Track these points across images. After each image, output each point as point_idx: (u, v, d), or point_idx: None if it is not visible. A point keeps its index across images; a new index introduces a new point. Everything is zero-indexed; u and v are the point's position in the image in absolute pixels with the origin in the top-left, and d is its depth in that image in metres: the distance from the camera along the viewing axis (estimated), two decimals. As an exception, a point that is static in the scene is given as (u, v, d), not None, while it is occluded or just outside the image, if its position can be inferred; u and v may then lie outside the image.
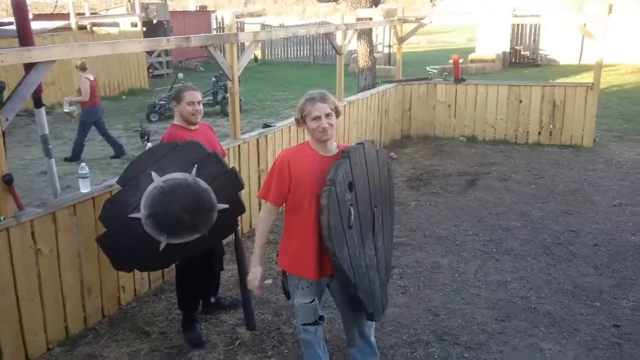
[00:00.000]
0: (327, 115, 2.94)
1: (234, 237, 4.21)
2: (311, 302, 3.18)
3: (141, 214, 3.61)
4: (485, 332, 4.10)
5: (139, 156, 3.86)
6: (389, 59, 21.01)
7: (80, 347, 3.98)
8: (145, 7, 18.53)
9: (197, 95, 3.95)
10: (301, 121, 3.03)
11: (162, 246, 3.69)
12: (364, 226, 3.11)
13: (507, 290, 4.67)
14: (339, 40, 8.10)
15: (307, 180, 2.97)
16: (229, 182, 3.84)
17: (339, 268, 2.95)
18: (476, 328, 4.15)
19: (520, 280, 4.83)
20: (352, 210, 2.97)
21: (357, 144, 3.12)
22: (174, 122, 3.99)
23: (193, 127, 3.97)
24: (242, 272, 4.01)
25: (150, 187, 3.60)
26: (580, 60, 19.81)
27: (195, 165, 3.69)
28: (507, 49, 20.93)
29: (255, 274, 3.15)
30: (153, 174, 3.60)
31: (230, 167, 3.97)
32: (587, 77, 11.20)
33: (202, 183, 3.70)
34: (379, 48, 21.17)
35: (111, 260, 3.81)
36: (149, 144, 4.22)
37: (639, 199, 6.67)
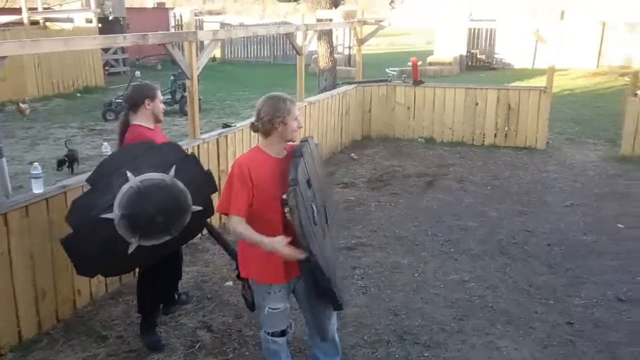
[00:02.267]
0: (298, 118, 3.09)
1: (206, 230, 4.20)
2: (283, 307, 3.17)
3: (114, 214, 3.48)
4: (444, 331, 4.17)
5: (111, 155, 3.75)
6: (349, 60, 21.12)
7: (34, 352, 3.86)
8: (100, 3, 18.07)
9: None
10: (276, 123, 2.98)
11: (131, 249, 3.58)
12: (321, 221, 3.17)
13: (465, 290, 4.77)
14: (299, 40, 8.10)
15: (268, 185, 2.98)
16: (206, 185, 3.85)
17: (315, 265, 2.92)
18: (435, 327, 4.21)
19: (478, 280, 4.93)
20: (313, 206, 3.03)
21: (301, 140, 3.20)
22: (136, 122, 3.82)
23: (152, 126, 3.89)
24: (231, 252, 3.88)
25: (126, 187, 3.48)
26: (533, 65, 20.38)
27: (174, 166, 3.64)
28: (464, 53, 21.36)
29: (275, 239, 2.90)
30: (129, 173, 3.49)
31: (206, 169, 4.00)
32: (541, 81, 11.53)
33: (180, 184, 3.65)
34: (339, 49, 21.27)
35: (76, 265, 3.65)
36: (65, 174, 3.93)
37: (590, 199, 6.91)
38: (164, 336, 4.04)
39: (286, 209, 2.85)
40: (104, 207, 3.48)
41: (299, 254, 2.85)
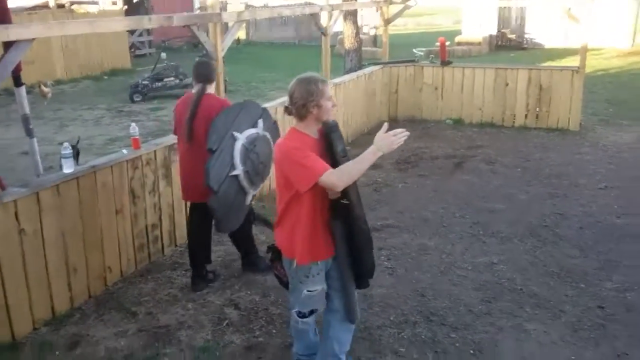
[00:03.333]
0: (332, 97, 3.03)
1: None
2: (321, 289, 3.13)
3: (239, 170, 3.99)
4: (471, 312, 4.12)
5: (214, 121, 4.00)
6: (375, 40, 20.91)
7: (67, 326, 3.94)
8: (127, -15, 18.17)
9: None
10: (312, 104, 2.88)
11: (249, 199, 4.23)
12: None
13: (494, 272, 4.71)
14: (324, 21, 8.01)
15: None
16: (275, 132, 4.38)
17: (367, 235, 3.05)
18: (463, 309, 4.17)
19: (507, 262, 4.86)
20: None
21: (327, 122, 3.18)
22: (210, 92, 4.28)
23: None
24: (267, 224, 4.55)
25: (238, 145, 3.98)
26: (565, 44, 19.89)
27: (261, 119, 4.21)
28: (494, 32, 20.93)
29: (380, 138, 2.80)
30: (235, 133, 3.98)
31: (273, 120, 4.50)
32: (573, 61, 11.25)
33: (267, 134, 4.24)
34: (365, 29, 21.05)
35: (218, 222, 4.11)
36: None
37: (624, 182, 6.74)
38: (192, 313, 4.09)
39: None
40: (229, 166, 3.96)
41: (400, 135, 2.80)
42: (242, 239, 4.67)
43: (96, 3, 17.53)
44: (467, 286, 4.49)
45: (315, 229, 2.99)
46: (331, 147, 2.94)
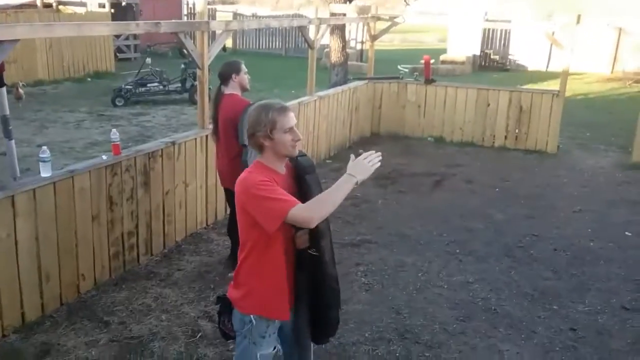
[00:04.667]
0: (296, 126, 2.58)
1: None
2: (276, 348, 2.77)
3: None
4: (446, 331, 4.15)
5: (242, 119, 4.13)
6: (361, 55, 21.05)
7: (37, 334, 3.87)
8: (114, -12, 18.06)
9: None
10: (267, 136, 2.50)
11: None
12: None
13: (469, 291, 4.74)
14: (312, 34, 8.06)
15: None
16: None
17: (337, 295, 2.69)
18: (437, 327, 4.19)
19: (482, 282, 4.91)
20: (329, 227, 2.70)
21: (301, 154, 2.72)
22: (231, 92, 4.53)
23: (241, 94, 4.60)
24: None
25: None
26: (547, 67, 20.23)
27: None
28: (478, 52, 21.22)
29: (354, 164, 2.48)
30: None
31: None
32: (554, 84, 11.44)
33: None
34: (352, 44, 21.20)
35: None
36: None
37: (599, 206, 6.86)
38: (165, 324, 4.05)
39: (297, 233, 2.59)
40: None
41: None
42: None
43: (84, 4, 17.39)
44: (443, 304, 4.52)
45: (280, 282, 2.60)
46: (304, 193, 2.56)
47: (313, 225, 2.41)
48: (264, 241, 2.52)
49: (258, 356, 2.67)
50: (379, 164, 2.48)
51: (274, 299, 2.62)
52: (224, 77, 4.58)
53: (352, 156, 2.52)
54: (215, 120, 4.67)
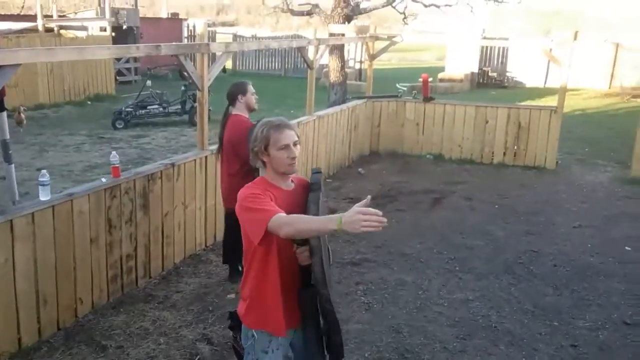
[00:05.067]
0: (295, 144, 2.57)
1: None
2: None
3: None
4: (446, 350, 4.12)
5: (247, 139, 4.34)
6: (359, 74, 21.20)
7: (33, 360, 3.85)
8: (115, 12, 18.29)
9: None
10: (262, 152, 2.56)
11: None
12: (329, 263, 2.78)
13: (469, 309, 4.72)
14: (311, 54, 8.13)
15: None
16: None
17: (332, 315, 2.54)
18: (438, 346, 4.17)
19: (482, 299, 4.88)
20: (329, 248, 2.69)
21: (314, 171, 2.76)
22: (235, 112, 4.65)
23: (247, 115, 4.69)
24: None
25: None
26: (545, 84, 20.35)
27: None
28: (476, 70, 21.37)
29: (350, 212, 2.24)
30: None
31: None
32: (552, 101, 11.49)
33: None
34: (351, 63, 21.35)
35: None
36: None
37: (598, 221, 6.85)
38: (164, 347, 4.03)
39: (298, 249, 2.52)
40: None
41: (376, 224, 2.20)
42: (228, 247, 4.98)
43: (85, 28, 17.60)
44: (443, 323, 4.49)
45: (274, 297, 2.57)
46: (305, 210, 2.53)
47: (281, 234, 2.35)
48: (261, 255, 2.53)
49: None
50: (375, 229, 2.21)
51: (270, 313, 2.60)
52: (231, 98, 4.69)
53: (368, 198, 2.32)
54: (220, 140, 4.77)
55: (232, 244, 4.81)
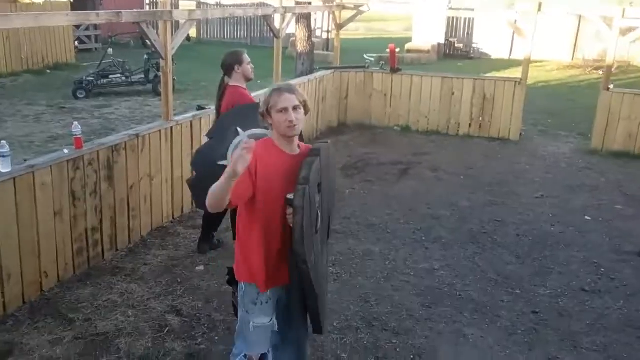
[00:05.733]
0: (295, 108, 2.64)
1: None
2: (269, 322, 2.82)
3: (227, 161, 3.91)
4: (412, 318, 4.22)
5: (227, 114, 4.36)
6: (327, 44, 21.00)
7: (-1, 334, 3.79)
8: (74, -23, 17.57)
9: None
10: (266, 114, 2.70)
11: None
12: (322, 232, 2.84)
13: (435, 278, 4.83)
14: (277, 23, 8.01)
15: (276, 181, 2.62)
16: None
17: (306, 277, 2.59)
18: (404, 314, 4.26)
19: (447, 268, 5.00)
20: (319, 213, 2.71)
21: (321, 142, 2.86)
22: (232, 84, 4.58)
23: (244, 85, 4.64)
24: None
25: (236, 140, 4.07)
26: (510, 55, 20.56)
27: None
28: (442, 41, 21.41)
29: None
30: (238, 129, 4.09)
31: None
32: (517, 72, 11.62)
33: None
34: (318, 33, 21.13)
35: (196, 201, 4.66)
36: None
37: (560, 191, 7.04)
38: (132, 320, 4.01)
39: (289, 210, 2.55)
40: (220, 155, 4.08)
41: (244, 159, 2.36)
42: (205, 219, 5.00)
43: (42, -6, 16.88)
44: (409, 292, 4.59)
45: (262, 255, 2.71)
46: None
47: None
48: (245, 215, 2.72)
49: (251, 325, 2.80)
50: (246, 154, 2.36)
51: (254, 269, 2.75)
52: (227, 69, 4.61)
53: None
54: (218, 111, 4.74)
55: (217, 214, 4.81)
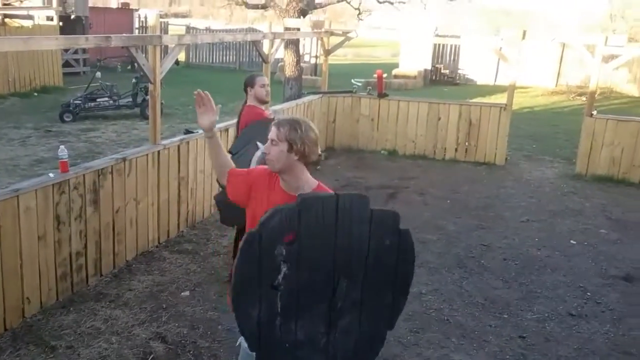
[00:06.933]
0: (272, 142, 2.66)
1: None
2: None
3: None
4: (400, 343, 4.19)
5: (245, 130, 4.49)
6: (315, 69, 21.21)
7: (-23, 363, 3.71)
8: (63, 1, 17.67)
9: (266, 79, 4.81)
10: None
11: None
12: (309, 294, 2.45)
13: (422, 302, 4.81)
14: (266, 48, 8.08)
15: (259, 210, 2.59)
16: None
17: (240, 329, 2.42)
18: (392, 339, 4.22)
19: (435, 293, 4.99)
20: (283, 267, 2.38)
21: (348, 193, 2.56)
22: (249, 103, 4.69)
23: (263, 106, 4.73)
24: None
25: (258, 153, 4.15)
26: (495, 81, 20.89)
27: None
28: (429, 67, 21.72)
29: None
30: (259, 143, 4.14)
31: None
32: (502, 98, 11.81)
33: None
34: (306, 58, 21.33)
35: (221, 215, 4.52)
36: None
37: (545, 215, 7.09)
38: (117, 347, 3.94)
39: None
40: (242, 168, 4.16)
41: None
42: (235, 241, 4.89)
43: (31, 17, 16.92)
44: (397, 317, 4.56)
45: None
46: None
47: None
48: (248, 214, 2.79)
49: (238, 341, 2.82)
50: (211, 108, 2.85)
51: None
52: (244, 90, 4.83)
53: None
54: (237, 129, 4.91)
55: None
